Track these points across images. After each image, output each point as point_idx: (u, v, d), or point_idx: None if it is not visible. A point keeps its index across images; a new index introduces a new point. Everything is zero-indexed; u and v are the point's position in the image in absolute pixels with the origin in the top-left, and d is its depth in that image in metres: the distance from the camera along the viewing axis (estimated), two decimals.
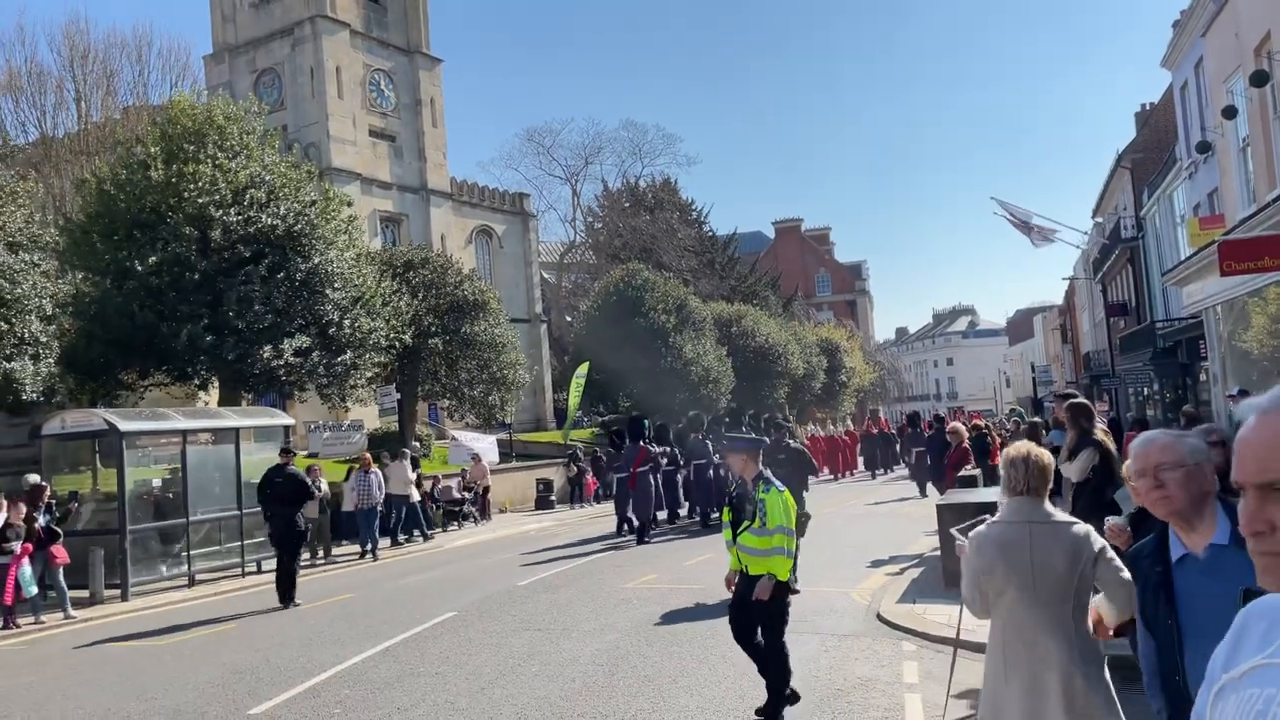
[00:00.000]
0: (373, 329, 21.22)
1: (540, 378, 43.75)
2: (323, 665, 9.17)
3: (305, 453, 24.72)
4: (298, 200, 20.13)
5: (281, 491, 13.64)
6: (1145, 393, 37.10)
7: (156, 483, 16.85)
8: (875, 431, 37.54)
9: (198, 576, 16.01)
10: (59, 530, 13.71)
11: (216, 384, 20.82)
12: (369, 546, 18.69)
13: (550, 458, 32.86)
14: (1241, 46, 17.85)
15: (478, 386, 27.40)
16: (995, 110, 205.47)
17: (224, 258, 18.71)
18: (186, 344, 18.01)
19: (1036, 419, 20.63)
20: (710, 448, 19.51)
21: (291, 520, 13.52)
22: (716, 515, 17.23)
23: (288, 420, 18.94)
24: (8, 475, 21.20)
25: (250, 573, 16.80)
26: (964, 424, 19.46)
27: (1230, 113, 18.42)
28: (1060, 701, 3.85)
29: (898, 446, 36.13)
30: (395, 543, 20.51)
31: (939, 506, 12.08)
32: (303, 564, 15.68)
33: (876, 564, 13.61)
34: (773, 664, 6.64)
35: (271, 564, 17.23)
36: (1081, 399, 8.28)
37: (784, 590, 6.72)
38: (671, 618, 10.56)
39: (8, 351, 17.69)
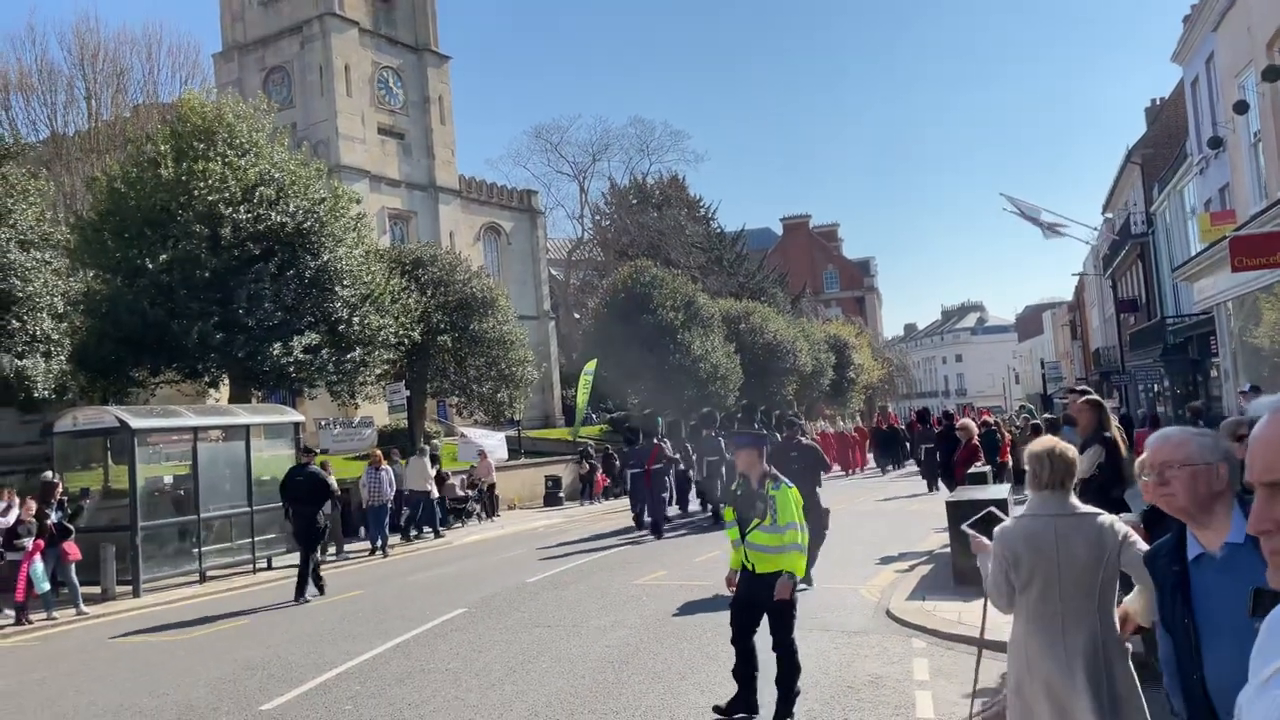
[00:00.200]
0: (382, 326, 21.26)
1: (548, 375, 43.81)
2: (334, 661, 9.21)
3: (316, 449, 24.80)
4: (307, 198, 20.17)
5: (302, 490, 13.88)
6: (1155, 389, 36.97)
7: (168, 479, 16.93)
8: (885, 428, 37.52)
9: (209, 573, 16.09)
10: (71, 527, 13.79)
11: (227, 381, 20.89)
12: (379, 543, 18.77)
13: (559, 454, 32.89)
14: (1253, 41, 17.76)
15: (486, 383, 27.42)
16: (1004, 106, 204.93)
17: (234, 255, 18.75)
18: (197, 341, 18.07)
19: (1038, 420, 20.57)
20: (723, 444, 19.61)
21: (312, 518, 13.73)
22: None
23: (298, 417, 19.00)
24: (20, 472, 21.35)
25: (261, 569, 16.88)
26: (974, 420, 19.42)
27: (1242, 108, 18.34)
28: (1087, 692, 3.87)
29: (908, 443, 36.14)
30: (407, 538, 20.66)
31: (948, 503, 12.06)
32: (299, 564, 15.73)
33: (886, 561, 13.59)
34: (786, 662, 6.61)
35: (281, 560, 17.43)
36: (1095, 395, 8.24)
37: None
38: (681, 614, 10.57)
39: (20, 349, 17.78)
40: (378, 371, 22.29)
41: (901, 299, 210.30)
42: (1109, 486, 7.38)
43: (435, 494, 21.39)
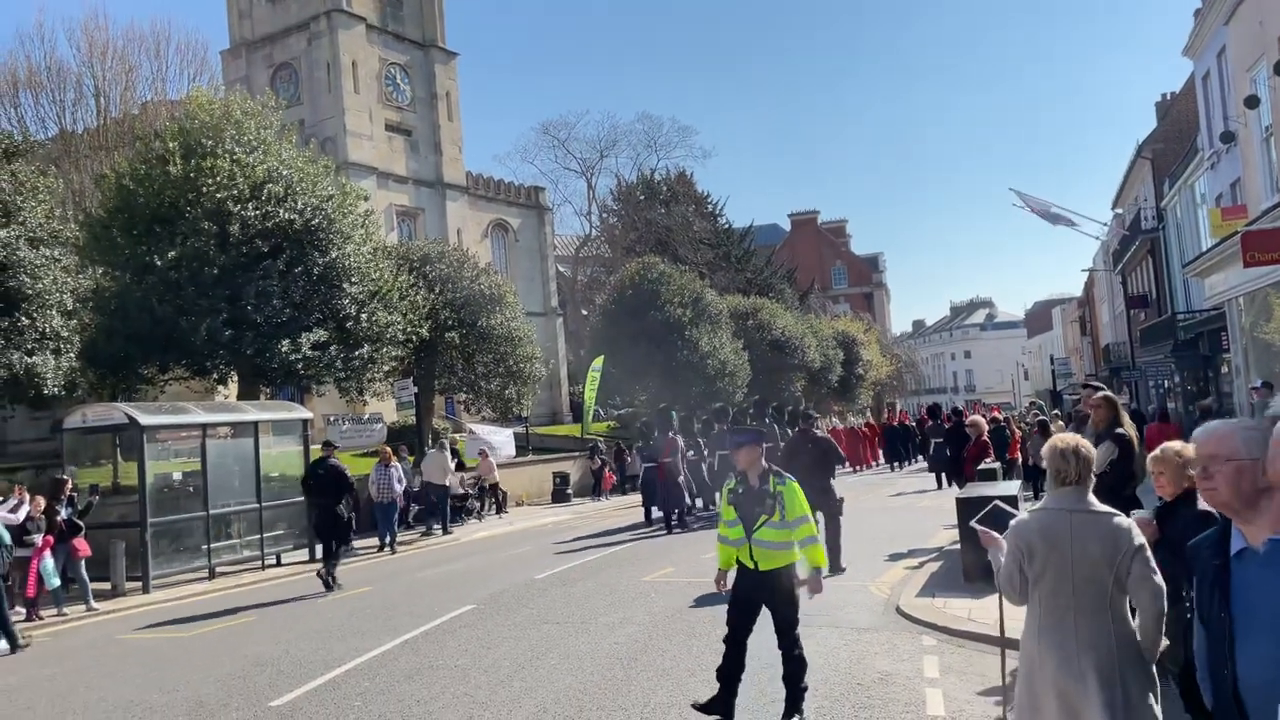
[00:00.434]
0: (390, 323, 21.26)
1: (556, 371, 43.82)
2: (342, 658, 9.21)
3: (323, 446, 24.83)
4: (315, 195, 20.17)
5: (323, 483, 14.32)
6: (1166, 385, 36.84)
7: (177, 476, 16.97)
8: (896, 424, 37.51)
9: (218, 569, 16.13)
10: (81, 523, 13.84)
11: (235, 378, 20.91)
12: (387, 540, 18.81)
13: (567, 451, 32.89)
14: (1265, 35, 17.65)
15: (494, 380, 27.41)
16: (1013, 101, 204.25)
17: (242, 252, 18.77)
18: (206, 338, 18.09)
19: (1044, 417, 20.51)
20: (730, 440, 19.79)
21: (334, 510, 14.16)
22: None
23: (306, 414, 19.02)
24: (30, 469, 21.43)
25: (270, 565, 16.92)
26: (983, 417, 19.37)
27: (1253, 102, 18.23)
28: (1096, 687, 3.87)
29: (917, 439, 36.13)
30: (430, 530, 21.34)
31: (958, 500, 12.00)
32: (321, 558, 15.76)
33: (895, 557, 13.56)
34: (793, 659, 6.55)
35: (290, 557, 17.48)
36: (1108, 391, 8.19)
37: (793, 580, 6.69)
38: (689, 611, 10.54)
39: (29, 346, 17.83)
40: (386, 368, 22.30)
41: (910, 295, 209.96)
42: (1121, 483, 7.33)
43: (456, 489, 21.80)
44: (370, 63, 39.00)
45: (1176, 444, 4.98)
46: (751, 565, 6.53)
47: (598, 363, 34.36)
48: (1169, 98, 37.92)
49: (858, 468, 34.93)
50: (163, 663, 9.73)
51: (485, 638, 9.79)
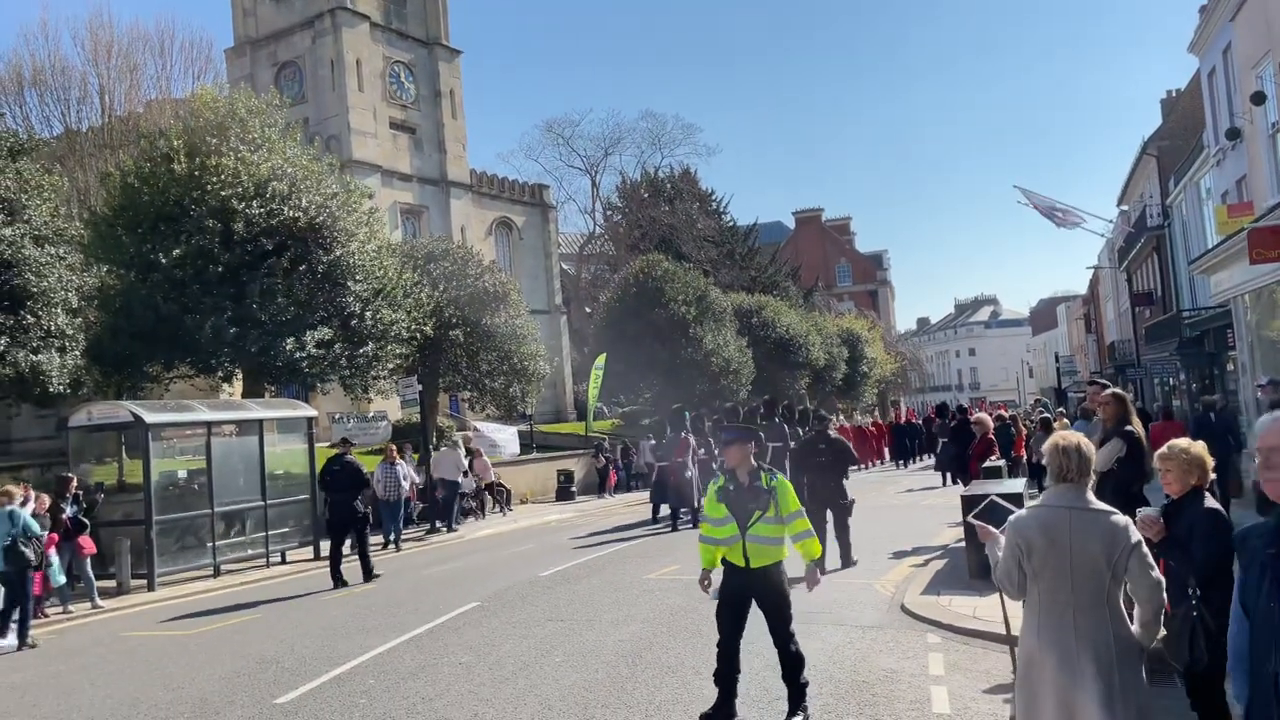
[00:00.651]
0: (394, 321, 21.27)
1: (560, 369, 43.82)
2: (347, 655, 9.21)
3: (328, 444, 24.85)
4: (319, 193, 20.17)
5: (340, 480, 14.59)
6: (1171, 383, 36.75)
7: (182, 474, 17.00)
8: (903, 422, 37.55)
9: (223, 567, 16.15)
10: (86, 521, 13.86)
11: (240, 376, 20.94)
12: (392, 537, 18.83)
13: (571, 449, 32.91)
14: (1271, 31, 17.58)
15: (498, 378, 27.42)
16: (1018, 99, 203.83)
17: (247, 250, 18.77)
18: (210, 336, 18.11)
19: (1047, 414, 20.46)
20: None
21: (351, 505, 14.49)
22: None
23: (311, 412, 19.03)
24: (35, 466, 21.48)
25: (275, 563, 16.94)
26: (989, 415, 19.35)
27: (1259, 99, 18.16)
28: (1094, 682, 3.90)
29: (924, 436, 36.15)
30: (434, 529, 21.52)
31: (963, 498, 11.98)
32: (326, 555, 15.80)
33: (900, 555, 13.56)
34: (790, 655, 6.51)
35: (294, 554, 17.51)
36: (1117, 389, 8.17)
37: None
38: (694, 608, 10.51)
39: (35, 344, 17.86)
40: (390, 366, 22.31)
41: (914, 292, 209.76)
42: (1129, 481, 7.32)
43: (469, 486, 22.05)
44: (374, 61, 39.00)
45: (1183, 441, 4.96)
46: (742, 563, 6.47)
47: (600, 361, 34.35)
48: (1174, 94, 37.81)
49: (866, 465, 34.97)
50: (167, 660, 9.75)
51: (490, 635, 9.79)
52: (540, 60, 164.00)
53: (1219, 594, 4.58)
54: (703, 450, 20.93)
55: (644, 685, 7.62)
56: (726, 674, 6.56)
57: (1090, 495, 4.17)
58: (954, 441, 19.92)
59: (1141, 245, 38.01)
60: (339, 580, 14.07)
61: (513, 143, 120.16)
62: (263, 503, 16.85)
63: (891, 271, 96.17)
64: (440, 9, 42.68)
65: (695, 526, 18.66)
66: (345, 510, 14.49)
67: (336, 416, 27.67)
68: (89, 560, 13.65)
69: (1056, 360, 68.05)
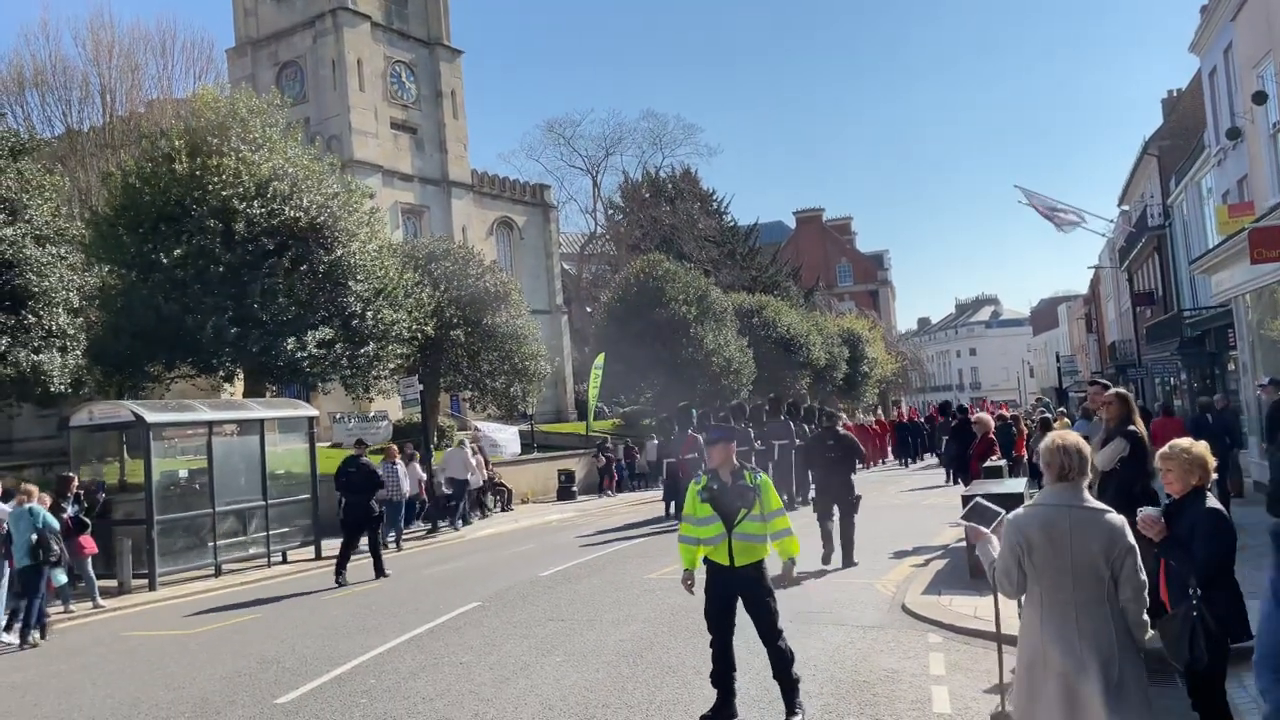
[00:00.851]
0: (395, 321, 21.28)
1: (561, 369, 43.80)
2: (348, 655, 9.22)
3: (329, 444, 24.86)
4: (320, 193, 20.18)
5: (355, 481, 14.75)
6: (1172, 383, 36.73)
7: (183, 474, 17.01)
8: (906, 421, 37.58)
9: (224, 566, 16.16)
10: (88, 520, 13.86)
11: (241, 376, 20.94)
12: (393, 537, 18.83)
13: (572, 448, 32.91)
14: (1272, 31, 17.57)
15: (499, 378, 27.41)
16: (1018, 99, 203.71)
17: (248, 250, 18.78)
18: (211, 336, 18.11)
19: (1047, 415, 20.45)
20: (751, 434, 20.19)
21: (367, 506, 14.70)
22: None
23: (312, 412, 19.03)
24: (37, 466, 21.49)
25: (276, 563, 16.94)
26: (991, 414, 19.35)
27: (1260, 98, 18.14)
28: (1097, 679, 3.93)
29: (926, 436, 36.13)
30: (435, 529, 21.69)
31: (964, 497, 11.99)
32: (327, 555, 15.82)
33: (901, 555, 13.56)
34: (779, 653, 6.49)
35: (295, 554, 17.52)
36: (1120, 389, 8.17)
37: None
38: (695, 608, 10.47)
39: (36, 344, 17.87)
40: (391, 366, 22.31)
41: (915, 292, 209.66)
42: (1132, 480, 7.32)
43: (476, 484, 22.33)
44: (375, 61, 38.99)
45: (1185, 441, 4.96)
46: (727, 561, 6.49)
47: (600, 361, 34.35)
48: (1175, 94, 37.78)
49: (869, 464, 34.99)
50: (168, 660, 9.75)
51: (491, 635, 9.80)
52: (541, 60, 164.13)
53: (1220, 594, 4.59)
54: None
55: (645, 685, 7.63)
56: (723, 673, 6.58)
57: (1087, 494, 4.21)
58: (955, 441, 19.94)
59: (1142, 245, 37.99)
60: (342, 579, 14.09)
61: (514, 143, 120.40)
62: (264, 502, 16.86)
63: (892, 271, 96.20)
64: (441, 9, 42.67)
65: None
66: (361, 511, 14.65)
67: (338, 416, 27.68)
68: (90, 560, 13.66)
69: (1057, 360, 68.08)
